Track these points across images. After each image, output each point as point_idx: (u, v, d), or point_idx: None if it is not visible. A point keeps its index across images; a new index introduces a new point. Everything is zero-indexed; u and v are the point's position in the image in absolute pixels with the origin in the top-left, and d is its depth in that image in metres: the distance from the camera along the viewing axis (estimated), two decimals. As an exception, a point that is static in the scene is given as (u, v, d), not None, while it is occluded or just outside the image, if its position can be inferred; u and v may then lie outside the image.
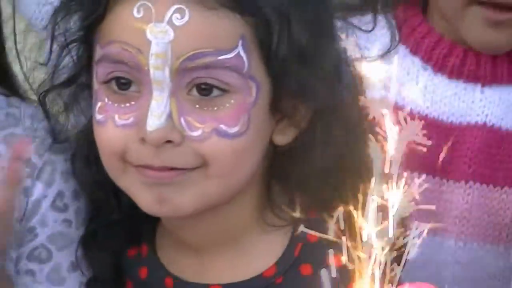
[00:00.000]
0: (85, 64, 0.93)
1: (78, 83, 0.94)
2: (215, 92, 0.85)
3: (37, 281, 0.96)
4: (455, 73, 1.14)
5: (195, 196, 0.87)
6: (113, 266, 0.98)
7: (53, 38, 0.95)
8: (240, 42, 0.85)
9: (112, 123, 0.87)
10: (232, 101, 0.86)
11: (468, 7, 1.09)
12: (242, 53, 0.85)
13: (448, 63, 1.14)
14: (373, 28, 1.07)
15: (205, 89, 0.85)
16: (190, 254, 0.96)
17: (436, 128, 1.11)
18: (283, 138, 0.91)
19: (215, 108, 0.85)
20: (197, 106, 0.85)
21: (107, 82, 0.88)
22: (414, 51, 1.16)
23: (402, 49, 1.15)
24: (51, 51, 0.95)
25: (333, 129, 0.89)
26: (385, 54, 0.95)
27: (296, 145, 0.91)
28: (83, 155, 0.96)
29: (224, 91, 0.85)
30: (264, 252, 0.93)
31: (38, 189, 0.96)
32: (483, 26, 1.09)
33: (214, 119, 0.85)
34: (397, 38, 1.10)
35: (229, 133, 0.85)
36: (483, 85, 1.14)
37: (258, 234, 0.93)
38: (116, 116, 0.87)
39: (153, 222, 0.96)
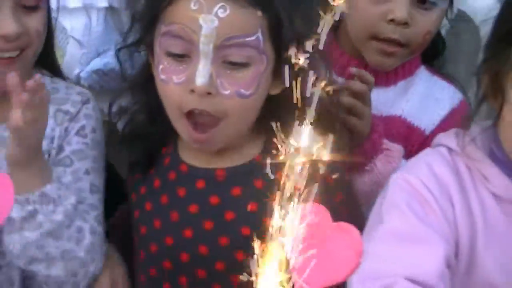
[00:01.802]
0: (148, 34, 1.33)
1: (141, 45, 1.38)
2: (239, 64, 1.25)
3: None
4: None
5: (220, 140, 1.32)
6: (148, 156, 1.42)
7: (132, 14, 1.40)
8: (260, 30, 1.25)
9: (172, 82, 1.27)
10: (250, 71, 1.26)
11: (369, 41, 1.57)
12: (260, 37, 1.26)
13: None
14: None
15: (234, 63, 1.25)
16: (201, 151, 1.37)
17: None
18: (275, 91, 1.32)
19: (240, 74, 1.26)
20: (228, 72, 1.25)
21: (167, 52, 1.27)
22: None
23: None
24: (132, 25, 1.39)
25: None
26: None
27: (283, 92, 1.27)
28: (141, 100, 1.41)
29: (245, 64, 1.25)
30: (252, 148, 1.37)
31: (70, 124, 1.42)
32: (379, 54, 1.57)
33: (237, 84, 1.25)
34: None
35: (246, 94, 1.26)
36: (374, 86, 1.55)
37: (248, 138, 1.37)
38: (174, 77, 1.26)
39: (177, 134, 1.37)
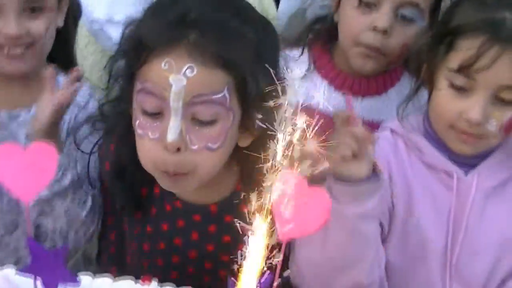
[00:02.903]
0: (127, 91, 1.39)
1: (122, 101, 1.44)
2: (207, 121, 1.31)
3: None
4: (341, 87, 1.80)
5: (190, 186, 1.39)
6: (137, 198, 1.50)
7: (110, 71, 1.45)
8: (226, 87, 1.31)
9: (147, 137, 1.33)
10: (218, 127, 1.32)
11: (354, 47, 1.74)
12: (226, 94, 1.31)
13: (343, 86, 1.80)
14: (299, 57, 1.82)
15: (201, 120, 1.31)
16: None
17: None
18: (244, 143, 1.40)
19: (207, 130, 1.31)
20: (197, 128, 1.31)
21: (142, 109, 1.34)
22: (324, 77, 1.82)
23: (316, 75, 1.82)
24: (109, 80, 1.46)
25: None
26: (305, 75, 1.72)
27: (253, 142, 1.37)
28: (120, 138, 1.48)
29: (213, 122, 1.31)
30: (231, 177, 1.47)
31: (79, 113, 1.63)
32: (361, 58, 1.74)
33: (205, 139, 1.32)
34: (311, 67, 1.83)
35: (213, 147, 1.33)
36: (362, 98, 1.80)
37: (226, 169, 1.43)
38: (149, 133, 1.33)
39: None
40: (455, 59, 1.38)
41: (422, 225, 1.47)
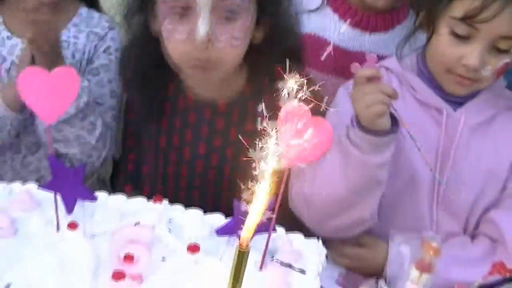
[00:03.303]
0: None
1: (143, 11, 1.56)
2: (232, 16, 1.44)
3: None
4: (356, 26, 1.90)
5: (217, 76, 1.54)
6: (159, 101, 1.66)
7: None
8: None
9: (175, 36, 1.46)
10: (239, 23, 1.46)
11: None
12: None
13: (353, 21, 1.89)
14: None
15: (227, 15, 1.44)
16: (200, 84, 1.62)
17: (345, 53, 1.90)
18: (256, 39, 1.54)
19: (231, 26, 1.45)
20: (222, 24, 1.44)
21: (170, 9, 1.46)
22: (335, 12, 1.91)
23: (330, 11, 1.92)
24: None
25: (280, 38, 1.57)
26: (319, 8, 1.89)
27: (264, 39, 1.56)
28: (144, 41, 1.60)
29: (235, 16, 1.45)
30: (238, 79, 1.62)
31: (99, 43, 1.76)
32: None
33: (229, 34, 1.45)
34: (324, 1, 1.92)
35: (235, 44, 1.48)
36: (370, 33, 1.90)
37: (236, 76, 1.61)
38: (177, 32, 1.45)
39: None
40: (459, 8, 1.48)
41: (412, 159, 1.60)
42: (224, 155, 1.65)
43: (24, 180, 1.36)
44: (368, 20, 1.91)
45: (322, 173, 1.49)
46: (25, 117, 1.66)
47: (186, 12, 1.44)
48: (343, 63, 1.77)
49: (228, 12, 1.45)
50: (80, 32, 1.76)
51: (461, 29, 1.49)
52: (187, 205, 1.44)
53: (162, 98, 1.68)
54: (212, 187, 1.70)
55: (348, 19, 1.90)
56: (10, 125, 1.66)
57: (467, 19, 1.46)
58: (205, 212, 1.40)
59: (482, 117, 1.61)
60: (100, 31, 1.78)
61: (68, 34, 1.75)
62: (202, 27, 1.42)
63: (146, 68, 1.62)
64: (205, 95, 1.65)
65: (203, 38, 1.42)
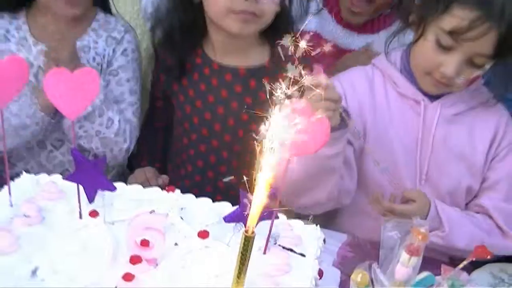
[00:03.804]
0: None
1: None
2: None
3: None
4: (346, 27, 2.18)
5: (255, 28, 1.76)
6: (182, 60, 1.87)
7: None
8: None
9: None
10: None
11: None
12: None
13: (343, 23, 2.17)
14: None
15: None
16: (225, 53, 1.86)
17: (337, 49, 2.17)
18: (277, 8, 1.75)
19: None
20: None
21: None
22: (331, 14, 2.18)
23: (327, 14, 2.20)
24: None
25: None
26: (317, 12, 2.18)
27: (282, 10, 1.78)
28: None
29: None
30: (261, 53, 1.86)
31: (116, 46, 1.89)
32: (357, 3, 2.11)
33: None
34: (321, 6, 2.21)
35: (275, 2, 1.70)
36: (358, 33, 2.20)
37: (256, 44, 1.85)
38: None
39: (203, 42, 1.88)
40: (449, 22, 1.59)
41: (395, 146, 1.75)
42: (239, 118, 1.82)
43: (50, 173, 1.44)
44: (356, 25, 2.18)
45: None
46: (53, 117, 1.76)
47: None
48: (335, 59, 2.12)
49: None
50: (99, 37, 1.86)
51: (446, 40, 1.60)
52: (204, 170, 1.76)
53: (190, 61, 1.88)
54: (227, 151, 1.86)
55: (340, 21, 2.15)
56: (39, 125, 1.76)
57: (454, 34, 1.58)
58: (218, 178, 1.67)
59: (456, 109, 1.75)
60: (117, 35, 1.88)
61: (88, 39, 1.85)
62: None
63: (174, 30, 1.82)
64: (229, 63, 1.84)
65: None
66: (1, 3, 1.85)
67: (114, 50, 1.89)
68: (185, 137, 1.92)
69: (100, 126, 1.77)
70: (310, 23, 2.18)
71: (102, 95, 1.77)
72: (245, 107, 1.80)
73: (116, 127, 1.81)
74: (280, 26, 1.79)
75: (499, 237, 1.69)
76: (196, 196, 1.46)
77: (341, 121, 1.55)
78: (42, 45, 1.77)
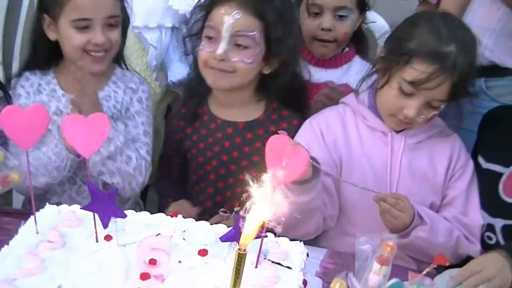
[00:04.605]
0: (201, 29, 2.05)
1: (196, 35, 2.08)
2: (244, 46, 1.94)
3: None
4: (316, 65, 2.39)
5: (229, 83, 2.01)
6: (195, 110, 2.16)
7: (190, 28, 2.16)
8: (257, 30, 1.95)
9: (205, 51, 1.99)
10: (249, 52, 1.96)
11: (312, 41, 2.36)
12: (257, 34, 1.95)
13: (311, 60, 2.38)
14: None
15: (240, 44, 1.94)
16: (226, 109, 2.12)
17: (311, 83, 2.27)
18: (267, 70, 2.03)
19: (242, 52, 1.95)
20: (236, 49, 1.95)
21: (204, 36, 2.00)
22: (304, 59, 2.29)
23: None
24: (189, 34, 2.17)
25: (286, 71, 2.02)
26: None
27: (271, 74, 2.02)
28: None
29: (246, 47, 1.94)
30: (256, 109, 2.10)
31: (133, 95, 2.10)
32: (318, 47, 2.36)
33: (241, 56, 1.96)
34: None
35: (246, 62, 1.96)
36: (326, 69, 2.39)
37: (253, 101, 2.09)
38: (207, 48, 1.99)
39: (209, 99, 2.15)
40: (410, 74, 1.78)
41: (368, 172, 1.91)
42: (239, 165, 2.08)
43: (80, 205, 1.55)
44: (323, 61, 2.43)
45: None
46: (81, 159, 1.91)
47: (212, 38, 1.97)
48: (310, 91, 2.30)
49: (241, 43, 1.95)
50: (118, 88, 2.07)
51: (407, 88, 1.78)
52: (208, 198, 2.08)
53: (200, 120, 2.15)
54: (230, 189, 2.06)
55: (310, 61, 2.41)
56: (65, 162, 1.92)
57: (414, 84, 1.76)
58: (219, 205, 1.95)
59: (418, 139, 1.92)
60: (134, 86, 2.10)
61: (108, 89, 2.05)
62: (221, 47, 1.95)
63: (194, 82, 2.15)
64: (230, 118, 2.10)
65: (220, 55, 1.95)
66: (34, 64, 2.06)
67: (131, 99, 2.08)
68: (196, 177, 2.16)
69: (121, 163, 1.94)
70: None
71: (122, 138, 1.94)
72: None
73: (134, 163, 1.97)
74: (271, 86, 2.04)
75: (461, 236, 1.87)
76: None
77: (313, 171, 1.68)
78: (69, 95, 1.94)
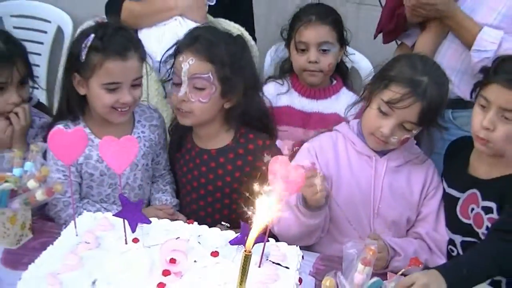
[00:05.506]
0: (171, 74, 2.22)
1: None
2: (200, 88, 2.12)
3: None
4: (308, 97, 2.66)
5: (190, 121, 2.21)
6: (181, 141, 2.36)
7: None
8: (210, 72, 2.13)
9: (174, 94, 2.17)
10: (206, 92, 2.13)
11: (301, 72, 2.65)
12: (211, 76, 2.13)
13: (306, 94, 2.66)
14: (283, 82, 2.80)
15: (197, 86, 2.11)
16: (202, 139, 2.27)
17: (304, 113, 2.64)
18: (227, 105, 2.19)
19: (200, 93, 2.13)
20: (194, 91, 2.13)
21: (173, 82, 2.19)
22: (296, 91, 2.70)
23: (294, 91, 2.69)
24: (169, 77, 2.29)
25: (246, 103, 2.17)
26: (288, 90, 2.72)
27: (233, 107, 2.17)
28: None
29: (202, 88, 2.12)
30: (226, 137, 2.25)
31: (156, 130, 2.34)
32: (307, 76, 2.64)
33: (198, 96, 2.13)
34: (289, 86, 2.70)
35: (203, 101, 2.14)
36: (317, 100, 2.66)
37: (223, 130, 2.25)
38: (174, 93, 2.16)
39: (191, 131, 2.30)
40: (387, 95, 1.96)
41: (355, 191, 2.07)
42: (216, 185, 2.27)
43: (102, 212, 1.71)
44: (315, 93, 2.69)
45: (283, 223, 1.92)
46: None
47: (178, 83, 2.15)
48: (304, 120, 2.65)
49: (198, 85, 2.12)
50: (144, 127, 2.30)
51: (384, 108, 1.95)
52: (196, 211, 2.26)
53: (184, 148, 2.34)
54: (209, 205, 2.28)
55: (304, 94, 2.67)
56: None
57: (389, 103, 1.92)
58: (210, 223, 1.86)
59: (398, 162, 2.09)
60: (155, 122, 2.34)
61: (137, 131, 2.27)
62: (182, 90, 2.12)
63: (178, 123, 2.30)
64: (205, 146, 2.29)
65: (181, 96, 2.14)
66: (63, 115, 2.21)
67: (158, 134, 2.34)
68: (185, 191, 2.42)
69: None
70: (283, 100, 2.65)
71: (139, 156, 2.29)
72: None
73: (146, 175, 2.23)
74: (235, 116, 2.22)
75: (429, 254, 2.02)
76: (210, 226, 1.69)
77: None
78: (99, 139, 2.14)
